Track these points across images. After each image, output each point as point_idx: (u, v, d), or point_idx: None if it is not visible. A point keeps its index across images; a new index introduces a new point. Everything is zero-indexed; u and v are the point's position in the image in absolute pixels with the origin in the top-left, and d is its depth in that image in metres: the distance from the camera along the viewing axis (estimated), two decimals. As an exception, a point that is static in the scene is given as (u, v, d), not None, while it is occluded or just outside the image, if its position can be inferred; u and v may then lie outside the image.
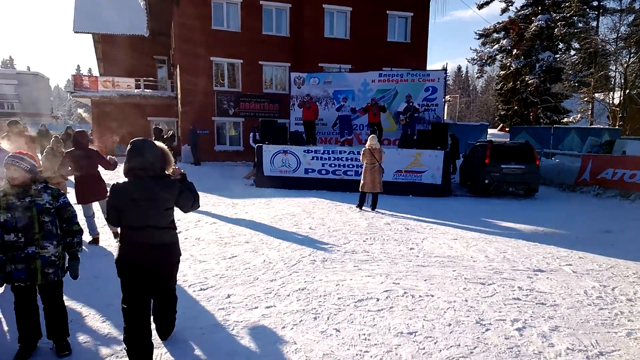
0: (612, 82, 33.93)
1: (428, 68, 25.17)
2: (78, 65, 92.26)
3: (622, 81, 31.13)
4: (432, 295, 4.61)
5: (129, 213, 3.08)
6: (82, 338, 3.63)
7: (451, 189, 13.55)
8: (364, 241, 7.03)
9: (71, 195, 5.56)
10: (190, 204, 3.36)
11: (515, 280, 5.25)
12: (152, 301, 3.30)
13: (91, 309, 4.21)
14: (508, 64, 35.41)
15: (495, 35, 37.91)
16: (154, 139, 4.48)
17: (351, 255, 6.14)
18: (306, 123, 15.30)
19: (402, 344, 3.53)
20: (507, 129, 36.99)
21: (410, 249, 6.62)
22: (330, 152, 13.51)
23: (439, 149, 12.98)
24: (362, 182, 10.05)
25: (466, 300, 4.53)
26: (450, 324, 3.93)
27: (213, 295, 4.58)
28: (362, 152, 10.14)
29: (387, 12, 23.44)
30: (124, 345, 3.07)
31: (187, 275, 5.17)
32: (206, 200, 10.94)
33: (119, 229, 3.36)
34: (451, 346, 3.52)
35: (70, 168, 6.23)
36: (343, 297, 4.53)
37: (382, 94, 16.52)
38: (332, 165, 13.47)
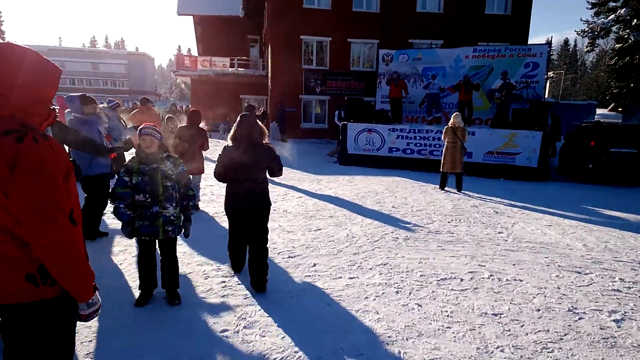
0: None
1: (529, 42, 23.35)
2: (179, 46, 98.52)
3: None
4: (521, 280, 4.43)
5: (234, 169, 3.99)
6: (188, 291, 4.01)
7: (549, 173, 12.63)
8: (448, 222, 6.88)
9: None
10: (277, 169, 4.15)
11: (617, 271, 4.86)
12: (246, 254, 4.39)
13: (194, 264, 4.63)
14: (625, 36, 31.76)
15: (611, 4, 34.05)
16: None
17: (435, 235, 6.05)
18: (393, 101, 15.07)
19: (485, 324, 3.46)
20: (619, 109, 33.51)
21: (499, 232, 6.36)
22: (416, 131, 13.22)
23: (536, 130, 12.14)
24: (442, 161, 9.78)
25: (558, 288, 4.29)
26: (539, 309, 3.77)
27: (300, 263, 4.80)
28: (444, 130, 9.83)
29: (488, -20, 22.01)
30: (229, 262, 4.53)
31: (276, 244, 5.47)
32: (292, 175, 11.30)
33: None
34: (539, 331, 3.39)
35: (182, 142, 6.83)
36: (425, 275, 4.51)
37: (475, 70, 15.75)
38: (418, 145, 13.19)
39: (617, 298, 4.10)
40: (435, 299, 3.93)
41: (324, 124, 22.89)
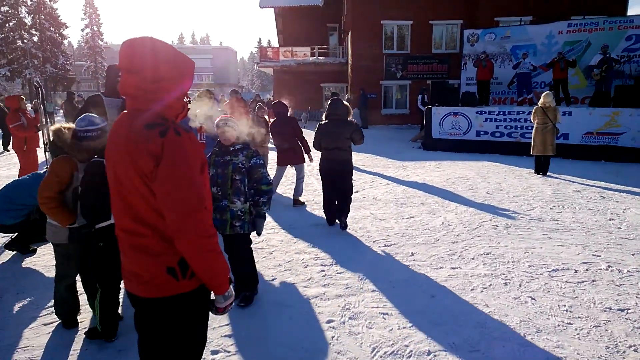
0: None
1: (629, 13, 21.12)
2: (260, 38, 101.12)
3: None
4: (645, 272, 4.07)
5: (326, 140, 5.39)
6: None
7: (658, 155, 11.44)
8: (550, 209, 6.47)
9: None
10: (358, 138, 5.40)
11: None
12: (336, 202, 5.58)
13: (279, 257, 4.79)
14: None
15: None
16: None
17: (537, 223, 5.73)
18: (481, 83, 14.40)
19: (611, 320, 3.22)
20: None
21: (610, 219, 5.88)
22: (506, 112, 12.53)
23: (643, 108, 11.03)
24: (532, 143, 9.21)
25: (691, 282, 3.89)
26: (672, 306, 3.45)
27: (397, 252, 4.76)
28: (533, 111, 9.23)
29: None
30: (324, 213, 5.82)
31: (370, 232, 5.47)
32: (376, 162, 11.24)
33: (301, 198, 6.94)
34: (676, 329, 3.10)
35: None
36: (534, 266, 4.28)
37: (570, 46, 14.58)
38: (508, 127, 12.51)
39: None
40: (549, 291, 3.71)
41: (405, 109, 22.46)
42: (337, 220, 5.66)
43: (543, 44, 15.14)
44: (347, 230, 5.53)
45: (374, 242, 5.10)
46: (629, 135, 11.15)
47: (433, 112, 13.52)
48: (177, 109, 1.60)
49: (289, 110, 7.31)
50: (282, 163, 7.07)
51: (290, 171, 7.99)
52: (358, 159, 11.75)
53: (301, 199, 7.09)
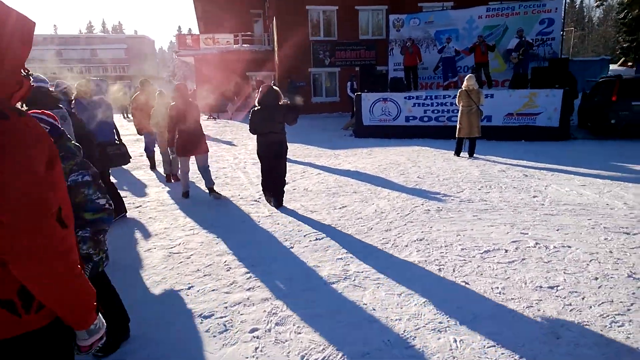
0: None
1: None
2: (179, 27, 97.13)
3: None
4: (569, 247, 4.15)
5: (260, 125, 5.72)
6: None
7: (569, 132, 12.18)
8: (479, 189, 6.58)
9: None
10: (292, 118, 5.83)
11: (669, 231, 4.56)
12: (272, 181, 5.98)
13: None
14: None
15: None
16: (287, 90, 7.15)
17: (467, 205, 5.77)
18: (408, 69, 14.59)
19: (543, 299, 3.20)
20: (630, 64, 32.32)
21: (534, 196, 6.06)
22: (433, 97, 12.77)
23: (557, 88, 11.65)
24: (458, 126, 9.43)
25: (610, 252, 4.01)
26: (596, 278, 3.50)
27: (329, 245, 4.53)
28: (457, 94, 9.45)
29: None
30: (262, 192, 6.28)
31: (301, 226, 5.20)
32: (307, 151, 11.02)
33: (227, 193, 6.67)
34: (602, 302, 3.12)
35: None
36: (467, 248, 4.25)
37: (489, 30, 15.12)
38: (435, 112, 12.76)
39: (676, 261, 3.82)
40: (482, 274, 3.66)
41: (335, 97, 22.41)
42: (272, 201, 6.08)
43: (464, 29, 15.59)
44: (277, 224, 5.25)
45: (304, 236, 4.83)
46: (545, 115, 11.75)
47: (363, 99, 13.50)
48: (10, 85, 1.14)
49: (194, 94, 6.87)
50: (184, 153, 6.49)
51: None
52: (289, 149, 11.45)
53: (226, 194, 6.68)
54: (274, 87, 5.87)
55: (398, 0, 20.77)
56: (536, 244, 4.26)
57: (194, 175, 7.43)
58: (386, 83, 13.97)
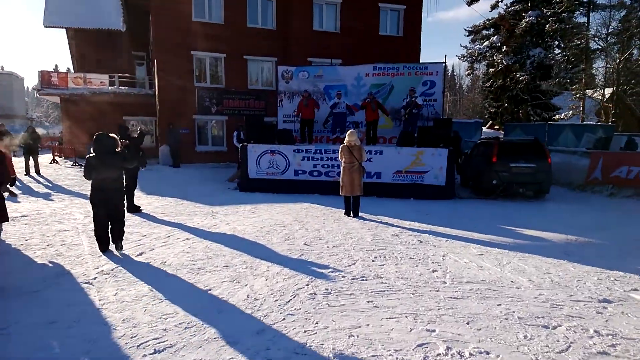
0: (604, 78, 33.13)
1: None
2: (56, 65, 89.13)
3: (615, 77, 30.28)
4: (488, 353, 3.25)
5: (97, 171, 5.69)
6: None
7: (455, 191, 12.26)
8: (372, 261, 5.67)
9: None
10: (128, 165, 6.22)
11: (584, 318, 3.95)
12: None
13: None
14: (498, 61, 34.34)
15: (484, 32, 36.86)
16: (119, 136, 7.04)
17: (361, 284, 4.76)
18: (304, 122, 13.91)
19: None
20: (496, 127, 36.00)
21: (433, 271, 5.28)
22: (323, 151, 12.12)
23: (442, 147, 11.71)
24: (340, 184, 8.79)
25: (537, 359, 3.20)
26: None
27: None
28: (340, 150, 8.85)
29: (379, 4, 22.19)
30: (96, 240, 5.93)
31: (139, 326, 3.66)
32: (181, 208, 9.48)
33: None
34: None
35: None
36: (363, 359, 3.15)
37: (377, 88, 15.20)
38: (325, 166, 12.09)
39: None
40: (386, 413, 2.57)
41: (222, 146, 21.03)
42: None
43: (353, 85, 15.54)
44: (105, 322, 3.71)
45: (138, 346, 3.35)
46: (432, 174, 11.67)
47: (249, 150, 12.41)
48: None
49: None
50: None
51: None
52: (159, 204, 9.81)
53: (49, 271, 4.97)
54: (110, 134, 5.95)
55: (287, 53, 20.58)
56: (447, 349, 3.30)
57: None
58: (274, 134, 13.10)
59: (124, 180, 7.50)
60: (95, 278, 4.86)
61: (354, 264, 5.53)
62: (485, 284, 4.81)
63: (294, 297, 4.37)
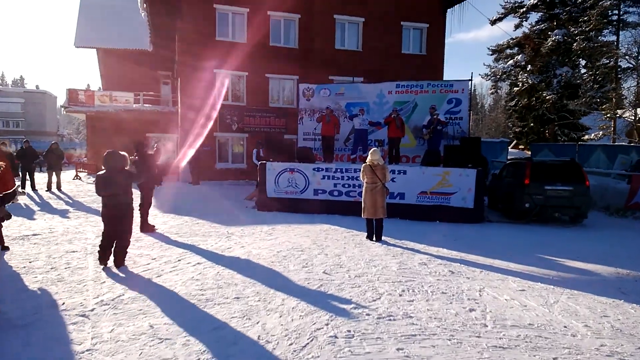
0: (636, 98, 31.87)
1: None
2: (88, 85, 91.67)
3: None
4: None
5: (108, 187, 5.86)
6: None
7: (484, 214, 11.53)
8: (400, 295, 5.06)
9: None
10: (135, 181, 6.51)
11: (660, 378, 3.28)
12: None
13: None
14: (523, 80, 33.52)
15: (508, 51, 36.14)
16: (135, 151, 8.17)
17: (388, 325, 4.16)
18: (325, 138, 13.45)
19: None
20: (521, 147, 34.95)
21: (470, 310, 4.63)
22: (344, 170, 11.59)
23: (470, 167, 11.05)
24: (362, 205, 8.23)
25: None
26: None
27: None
28: (362, 169, 8.31)
29: (402, 23, 21.85)
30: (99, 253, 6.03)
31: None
32: (196, 228, 9.03)
33: None
34: None
35: None
36: None
37: (400, 106, 14.66)
38: (346, 186, 11.55)
39: None
40: None
41: (242, 163, 20.76)
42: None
43: (375, 102, 15.07)
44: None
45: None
46: (459, 195, 11.01)
47: (268, 168, 11.98)
48: None
49: None
50: None
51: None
52: (174, 224, 9.40)
53: (47, 300, 4.51)
54: (120, 152, 6.12)
55: (308, 71, 20.30)
56: (501, 419, 2.69)
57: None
58: (294, 152, 12.68)
59: (140, 198, 8.20)
60: (92, 310, 4.38)
61: (379, 298, 4.93)
62: (534, 330, 4.14)
63: (312, 339, 3.79)
